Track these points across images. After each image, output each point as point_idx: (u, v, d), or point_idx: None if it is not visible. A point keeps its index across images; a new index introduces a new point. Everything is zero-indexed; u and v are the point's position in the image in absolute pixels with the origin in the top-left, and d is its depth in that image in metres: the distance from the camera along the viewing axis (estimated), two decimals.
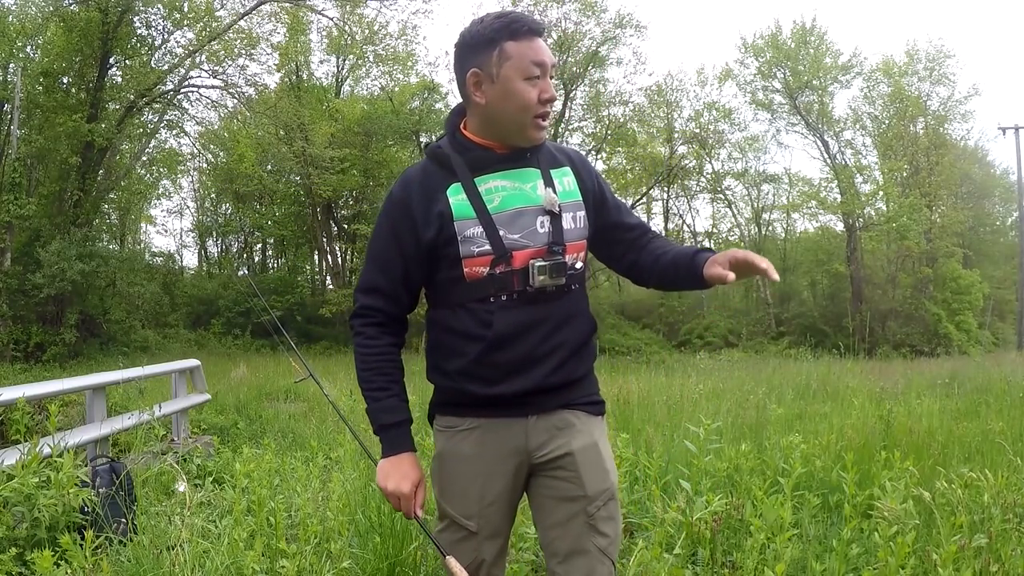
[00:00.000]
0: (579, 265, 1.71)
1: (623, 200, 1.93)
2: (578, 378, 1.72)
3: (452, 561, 1.61)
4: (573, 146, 22.63)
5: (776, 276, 1.55)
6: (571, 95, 25.74)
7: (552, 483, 1.70)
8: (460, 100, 1.74)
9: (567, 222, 1.69)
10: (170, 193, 31.90)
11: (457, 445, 1.71)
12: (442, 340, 1.71)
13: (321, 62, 29.09)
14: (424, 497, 1.70)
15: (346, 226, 28.07)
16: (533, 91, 1.62)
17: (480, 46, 1.63)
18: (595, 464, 1.70)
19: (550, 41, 24.93)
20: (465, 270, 1.64)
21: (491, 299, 1.64)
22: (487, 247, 1.63)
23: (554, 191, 1.69)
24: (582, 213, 1.73)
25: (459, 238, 1.63)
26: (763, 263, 1.54)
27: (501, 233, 1.63)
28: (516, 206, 1.66)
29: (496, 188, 1.67)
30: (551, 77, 1.67)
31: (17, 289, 17.52)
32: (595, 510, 1.67)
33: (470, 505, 1.69)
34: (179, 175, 30.01)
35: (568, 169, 1.76)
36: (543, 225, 1.66)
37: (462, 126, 1.72)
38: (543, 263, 1.63)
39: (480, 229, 1.63)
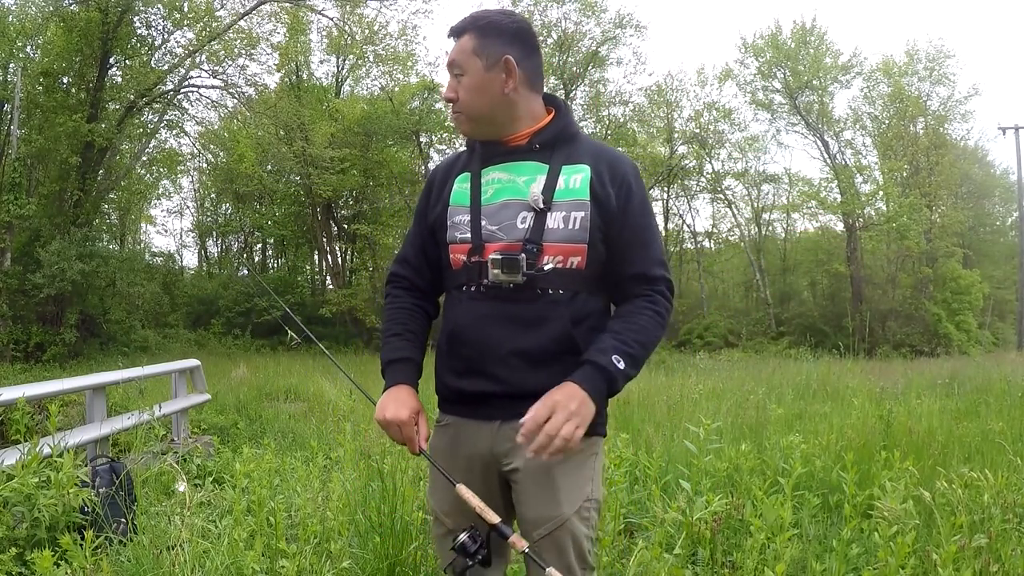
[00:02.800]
0: (549, 267, 1.57)
1: (650, 240, 1.66)
2: (543, 391, 1.51)
3: (462, 488, 1.56)
4: None
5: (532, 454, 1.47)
6: (571, 95, 25.74)
7: (516, 496, 1.65)
8: None
9: (553, 221, 1.59)
10: (170, 193, 31.98)
11: (435, 439, 1.73)
12: (440, 325, 1.74)
13: (321, 62, 29.13)
14: (427, 431, 1.66)
15: (346, 226, 28.06)
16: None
17: None
18: (540, 487, 1.59)
19: (550, 40, 25.01)
20: (451, 256, 1.67)
21: (463, 287, 1.65)
22: (468, 235, 1.64)
23: (552, 188, 1.60)
24: (581, 215, 1.59)
25: (448, 223, 1.67)
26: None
27: (483, 223, 1.63)
28: (503, 199, 1.63)
29: (492, 180, 1.67)
30: (454, 75, 1.66)
31: (17, 289, 17.52)
32: (537, 537, 1.58)
33: (444, 502, 1.69)
34: (179, 175, 30.05)
35: (585, 167, 1.63)
36: (524, 220, 1.60)
37: None
38: (497, 256, 1.57)
39: (467, 217, 1.65)
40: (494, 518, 1.52)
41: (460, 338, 1.64)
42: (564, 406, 1.46)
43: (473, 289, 1.63)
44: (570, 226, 1.58)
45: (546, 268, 1.58)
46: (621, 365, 1.52)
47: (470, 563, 1.56)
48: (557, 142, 1.66)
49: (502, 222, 1.61)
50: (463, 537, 1.56)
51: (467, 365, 1.64)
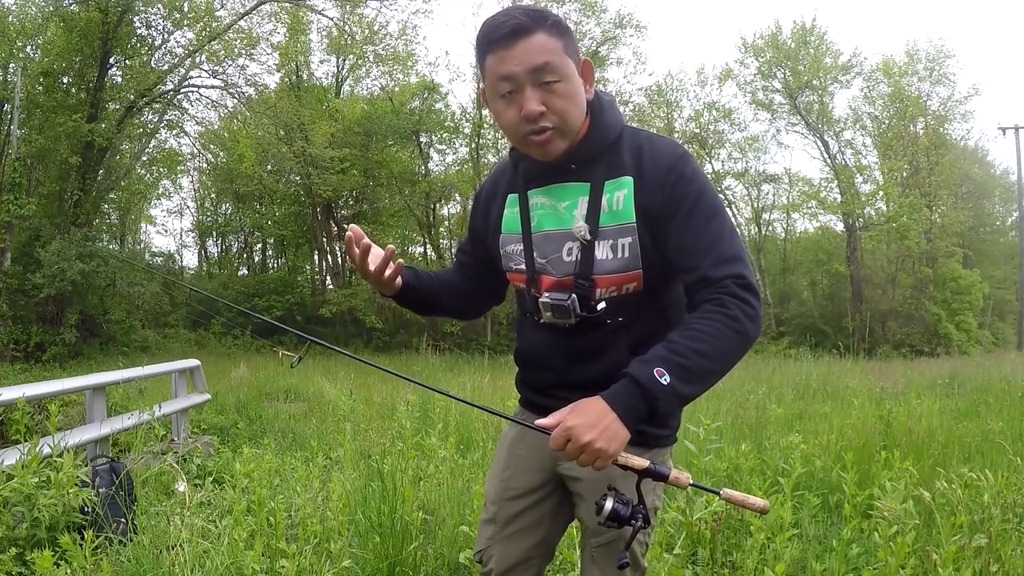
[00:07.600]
0: (603, 306, 1.49)
1: (711, 238, 1.41)
2: None
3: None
4: None
5: None
6: None
7: (576, 500, 1.65)
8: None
9: (601, 251, 1.46)
10: (170, 193, 31.95)
11: (507, 429, 1.77)
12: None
13: (321, 62, 29.06)
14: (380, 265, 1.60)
15: (346, 226, 27.99)
16: (509, 110, 1.42)
17: (478, 60, 1.48)
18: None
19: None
20: (512, 283, 1.67)
21: (526, 314, 1.66)
22: (523, 266, 1.58)
23: (597, 211, 1.47)
24: (628, 240, 1.45)
25: (502, 252, 1.63)
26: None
27: (535, 255, 1.56)
28: (546, 228, 1.53)
29: (537, 205, 1.56)
30: (542, 84, 1.38)
31: (17, 289, 17.50)
32: (596, 545, 1.59)
33: (494, 490, 1.72)
34: (179, 175, 30.03)
35: (628, 180, 1.45)
36: (570, 253, 1.50)
37: None
38: (547, 299, 1.52)
39: (520, 247, 1.58)
40: (641, 462, 1.33)
41: (525, 360, 1.69)
42: (577, 436, 1.27)
43: (535, 318, 1.60)
44: (619, 255, 1.46)
45: (599, 308, 1.49)
46: (665, 380, 1.28)
47: (631, 527, 1.36)
48: (595, 154, 1.49)
49: (548, 255, 1.53)
50: (609, 505, 1.35)
51: (532, 384, 1.69)
